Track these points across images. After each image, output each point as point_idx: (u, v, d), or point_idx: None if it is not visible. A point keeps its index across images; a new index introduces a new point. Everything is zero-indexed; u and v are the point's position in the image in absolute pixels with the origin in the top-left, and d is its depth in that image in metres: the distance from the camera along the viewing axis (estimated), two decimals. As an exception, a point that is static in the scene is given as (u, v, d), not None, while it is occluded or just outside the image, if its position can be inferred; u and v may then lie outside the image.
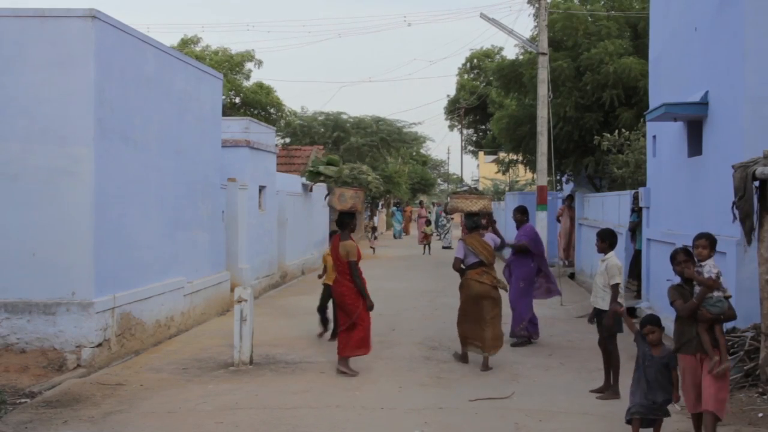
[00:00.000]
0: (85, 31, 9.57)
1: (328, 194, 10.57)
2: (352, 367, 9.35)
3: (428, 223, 32.07)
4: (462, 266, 9.91)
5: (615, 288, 8.23)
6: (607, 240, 8.61)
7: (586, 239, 20.06)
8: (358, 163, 30.07)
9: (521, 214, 11.70)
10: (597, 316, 8.58)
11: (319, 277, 12.05)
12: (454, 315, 12.19)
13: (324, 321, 11.85)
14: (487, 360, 9.65)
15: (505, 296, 10.47)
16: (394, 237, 42.36)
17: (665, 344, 6.64)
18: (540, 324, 11.55)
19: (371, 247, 30.66)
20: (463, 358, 9.99)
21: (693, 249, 6.56)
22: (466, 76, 48.32)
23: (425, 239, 30.85)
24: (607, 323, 8.34)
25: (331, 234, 10.02)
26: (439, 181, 74.73)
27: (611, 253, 8.51)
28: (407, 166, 50.78)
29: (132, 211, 10.72)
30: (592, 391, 8.45)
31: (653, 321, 6.57)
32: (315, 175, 23.70)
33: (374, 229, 35.11)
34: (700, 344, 6.31)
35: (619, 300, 8.25)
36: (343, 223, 9.63)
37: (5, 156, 9.52)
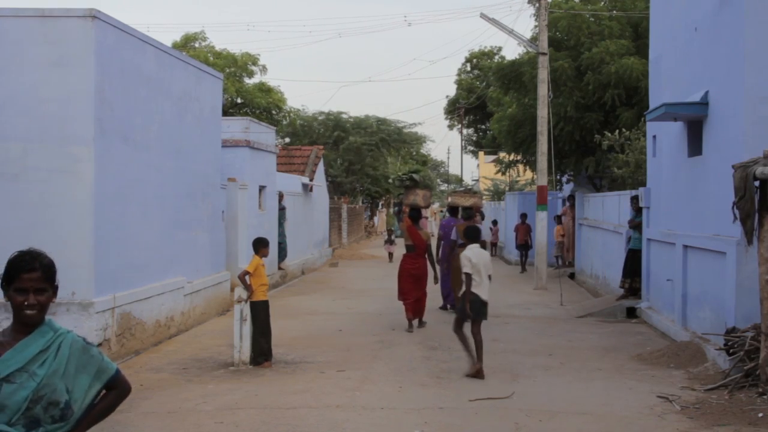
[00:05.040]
0: (85, 31, 9.57)
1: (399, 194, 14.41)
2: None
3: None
4: (455, 245, 13.38)
5: (470, 277, 9.10)
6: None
7: (587, 239, 20.07)
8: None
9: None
10: (482, 304, 9.15)
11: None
12: (453, 316, 12.79)
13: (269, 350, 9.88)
14: None
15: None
16: (396, 236, 42.58)
17: None
18: (539, 324, 11.66)
19: (389, 253, 27.23)
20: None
21: None
22: (464, 77, 48.29)
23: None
24: (465, 308, 9.11)
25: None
26: (438, 181, 74.83)
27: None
28: (407, 166, 50.82)
29: (132, 211, 10.72)
30: (468, 375, 9.02)
31: None
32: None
33: (390, 232, 29.31)
34: None
35: None
36: (417, 216, 13.00)
37: (5, 156, 9.52)
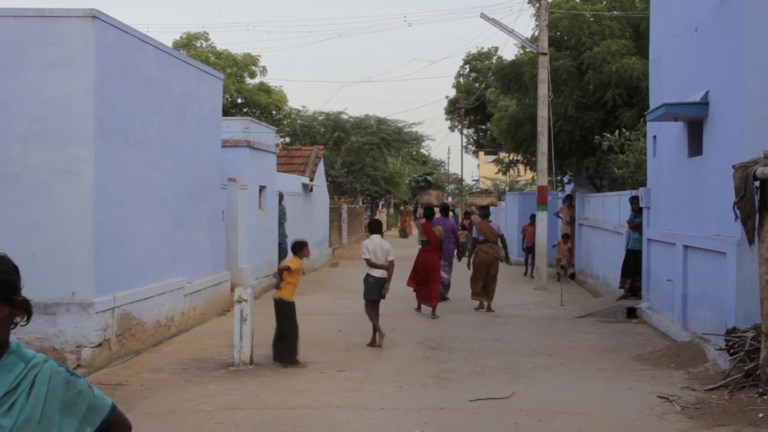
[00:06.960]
0: (85, 31, 9.57)
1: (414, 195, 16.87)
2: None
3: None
4: (477, 242, 15.03)
5: (370, 261, 11.05)
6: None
7: (587, 239, 20.07)
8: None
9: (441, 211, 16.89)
10: (379, 285, 10.99)
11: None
12: (454, 316, 12.93)
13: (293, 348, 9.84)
14: (488, 305, 14.53)
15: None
16: (400, 235, 44.31)
17: None
18: (540, 324, 11.71)
19: None
20: (479, 306, 14.66)
21: None
22: (462, 80, 48.24)
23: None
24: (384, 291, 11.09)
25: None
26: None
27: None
28: (407, 165, 50.81)
29: (132, 211, 10.72)
30: (370, 345, 10.91)
31: None
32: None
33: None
34: None
35: None
36: (430, 213, 14.68)
37: (5, 156, 9.51)
